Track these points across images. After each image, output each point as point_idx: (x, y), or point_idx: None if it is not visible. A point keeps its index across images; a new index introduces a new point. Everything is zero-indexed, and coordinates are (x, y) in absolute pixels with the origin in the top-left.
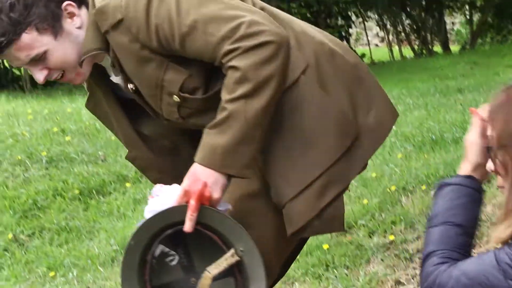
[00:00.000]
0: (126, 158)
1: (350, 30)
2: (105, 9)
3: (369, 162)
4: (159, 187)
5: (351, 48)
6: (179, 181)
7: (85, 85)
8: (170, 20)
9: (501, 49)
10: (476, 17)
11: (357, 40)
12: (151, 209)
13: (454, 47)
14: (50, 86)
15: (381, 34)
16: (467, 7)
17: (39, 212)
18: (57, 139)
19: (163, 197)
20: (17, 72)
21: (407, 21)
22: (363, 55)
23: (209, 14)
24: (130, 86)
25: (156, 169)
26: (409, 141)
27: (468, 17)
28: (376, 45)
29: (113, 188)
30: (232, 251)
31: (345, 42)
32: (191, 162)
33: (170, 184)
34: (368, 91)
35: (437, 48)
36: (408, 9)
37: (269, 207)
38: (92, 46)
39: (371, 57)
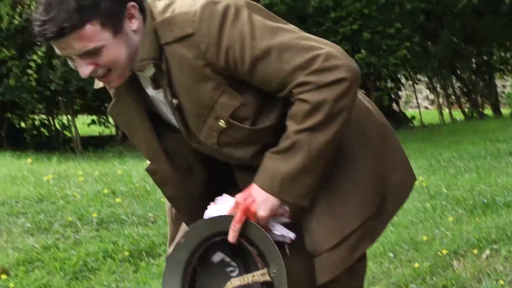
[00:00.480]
0: (146, 170)
1: (400, 93)
2: (173, 21)
3: (420, 225)
4: (223, 197)
5: (401, 111)
6: (192, 201)
7: (111, 91)
8: (243, 42)
9: None
10: None
11: (406, 102)
12: (208, 214)
13: (505, 110)
14: (101, 148)
15: (431, 96)
16: None
17: (90, 274)
18: (107, 200)
19: (221, 205)
20: (68, 134)
21: (457, 84)
22: (413, 118)
23: (285, 42)
24: (174, 101)
25: (173, 185)
26: (460, 205)
27: None
28: (426, 107)
29: (163, 250)
30: (265, 270)
31: (394, 104)
32: (204, 184)
33: (184, 203)
34: (393, 151)
35: (488, 111)
36: (458, 72)
37: (299, 250)
38: (149, 55)
39: (421, 120)
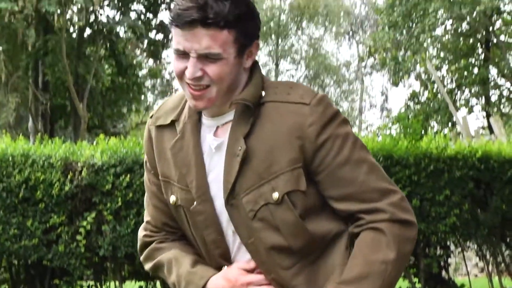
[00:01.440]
0: (192, 210)
1: (449, 260)
2: (294, 87)
3: None
4: None
5: (450, 278)
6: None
7: (178, 127)
8: (345, 141)
9: None
10: None
11: (456, 270)
12: None
13: None
14: None
15: (481, 264)
16: None
17: None
18: None
19: None
20: None
21: (506, 252)
22: (462, 286)
23: (376, 164)
24: (239, 148)
25: (217, 230)
26: None
27: None
28: (476, 275)
29: None
30: None
31: (444, 272)
32: None
33: (225, 249)
34: None
35: None
36: (508, 240)
37: None
38: (251, 98)
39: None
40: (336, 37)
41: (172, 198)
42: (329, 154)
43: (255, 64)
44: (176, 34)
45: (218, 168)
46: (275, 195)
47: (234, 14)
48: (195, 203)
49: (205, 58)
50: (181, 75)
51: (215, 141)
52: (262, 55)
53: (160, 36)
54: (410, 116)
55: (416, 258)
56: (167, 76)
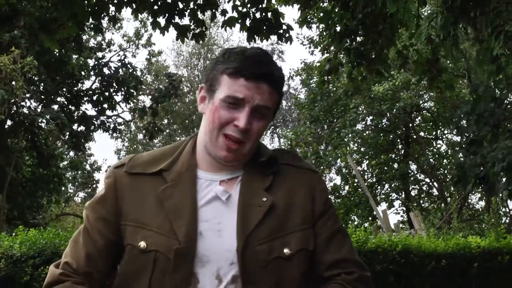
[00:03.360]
0: (177, 250)
1: None
2: (301, 159)
3: None
4: None
5: None
6: None
7: (168, 176)
8: (336, 212)
9: None
10: None
11: None
12: None
13: None
14: None
15: None
16: None
17: None
18: None
19: None
20: None
21: None
22: None
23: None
24: (264, 199)
25: (189, 272)
26: None
27: None
28: None
29: None
30: None
31: None
32: None
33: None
34: None
35: None
36: None
37: None
38: (269, 157)
39: None
40: None
41: (142, 244)
42: (331, 219)
43: None
44: (234, 84)
45: (221, 219)
46: (286, 250)
47: (283, 79)
48: (179, 245)
49: (256, 112)
50: (224, 125)
51: (226, 193)
52: None
53: (82, 128)
54: None
55: None
56: (88, 168)
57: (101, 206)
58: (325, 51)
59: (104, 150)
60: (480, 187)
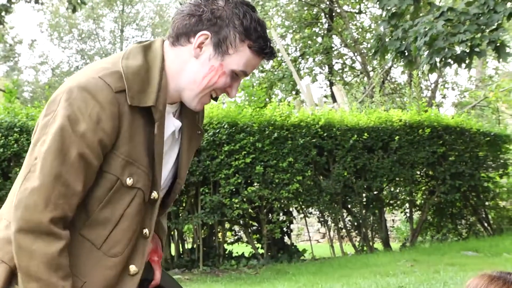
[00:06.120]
0: (153, 198)
1: (292, 226)
2: None
3: None
4: None
5: (292, 244)
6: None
7: (155, 114)
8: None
9: (441, 247)
10: (416, 215)
11: (298, 235)
12: None
13: (395, 244)
14: None
15: (322, 230)
16: (407, 205)
17: None
18: None
19: None
20: None
21: (348, 218)
22: (304, 251)
23: None
24: (198, 132)
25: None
26: None
27: (408, 215)
28: (317, 241)
29: None
30: None
31: (286, 238)
32: None
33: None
34: None
35: (378, 245)
36: (349, 206)
37: None
38: None
39: (312, 253)
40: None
41: (129, 181)
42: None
43: None
44: (253, 60)
45: (171, 155)
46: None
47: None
48: (158, 192)
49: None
50: (220, 89)
51: (178, 125)
52: (107, 21)
53: (3, 1)
54: (254, 84)
55: (259, 224)
56: (10, 41)
57: (102, 129)
58: None
59: (26, 23)
60: (401, 61)
